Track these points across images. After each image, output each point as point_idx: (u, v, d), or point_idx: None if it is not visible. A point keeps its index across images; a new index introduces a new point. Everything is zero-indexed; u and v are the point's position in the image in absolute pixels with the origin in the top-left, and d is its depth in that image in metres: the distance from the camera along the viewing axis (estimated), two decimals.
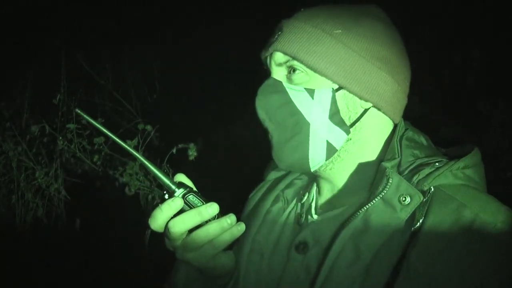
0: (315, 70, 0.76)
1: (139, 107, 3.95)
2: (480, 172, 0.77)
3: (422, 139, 0.83)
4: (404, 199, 0.71)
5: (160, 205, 0.73)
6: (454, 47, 2.91)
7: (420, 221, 0.69)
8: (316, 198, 0.86)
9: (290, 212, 0.88)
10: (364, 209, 0.73)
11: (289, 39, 0.78)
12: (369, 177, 0.80)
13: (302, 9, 0.82)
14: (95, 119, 0.75)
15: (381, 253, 0.70)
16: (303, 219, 0.84)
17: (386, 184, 0.73)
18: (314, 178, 0.88)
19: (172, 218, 0.73)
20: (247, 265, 0.85)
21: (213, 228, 0.73)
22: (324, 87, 0.77)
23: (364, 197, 0.78)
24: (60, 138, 2.96)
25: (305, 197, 0.87)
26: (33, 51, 3.76)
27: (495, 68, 2.77)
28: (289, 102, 0.78)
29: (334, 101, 0.77)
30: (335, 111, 0.77)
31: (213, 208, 0.74)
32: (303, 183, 0.91)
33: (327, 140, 0.78)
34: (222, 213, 0.76)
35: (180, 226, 0.72)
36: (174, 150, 2.80)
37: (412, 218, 0.70)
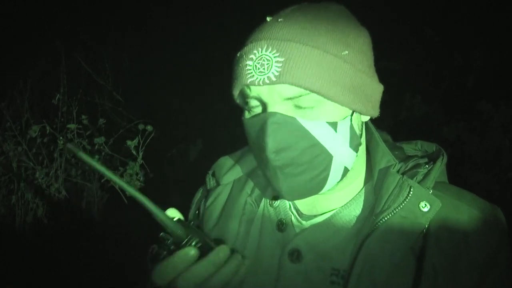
0: (337, 102, 0.70)
1: (139, 107, 3.95)
2: (445, 168, 0.81)
3: (389, 138, 0.85)
4: (423, 205, 0.72)
5: (168, 258, 0.63)
6: (455, 48, 2.90)
7: (427, 224, 0.72)
8: (294, 203, 0.83)
9: (264, 217, 0.84)
10: (385, 218, 0.73)
11: (303, 69, 0.67)
12: (351, 176, 0.79)
13: (279, 20, 0.72)
14: (92, 157, 0.64)
15: (404, 257, 0.71)
16: (284, 225, 0.81)
17: (408, 194, 0.73)
18: None
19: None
20: None
21: (225, 274, 0.65)
22: (343, 116, 0.72)
23: (349, 199, 0.80)
24: (61, 138, 2.96)
25: (277, 202, 0.84)
26: (34, 51, 3.76)
27: (496, 68, 2.76)
28: (311, 139, 0.71)
29: (352, 128, 0.74)
30: (353, 135, 0.74)
31: (224, 252, 0.65)
32: (266, 183, 0.85)
33: (344, 166, 0.75)
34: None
35: (193, 280, 0.63)
36: (175, 151, 2.79)
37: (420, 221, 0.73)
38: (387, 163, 0.78)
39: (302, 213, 0.82)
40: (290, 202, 0.84)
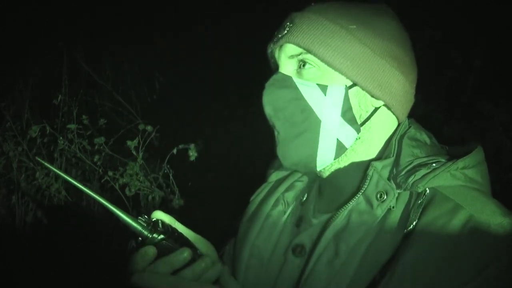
0: (329, 65, 0.74)
1: (139, 107, 3.95)
2: (483, 172, 0.75)
3: (425, 137, 0.80)
4: (380, 195, 0.72)
5: (134, 254, 0.69)
6: (455, 47, 2.90)
7: (414, 223, 0.69)
8: (316, 200, 0.84)
9: (289, 215, 0.86)
10: (345, 207, 0.74)
11: (303, 31, 0.74)
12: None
13: (312, 4, 0.79)
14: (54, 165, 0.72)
15: (359, 251, 0.70)
16: (301, 221, 0.83)
17: (365, 181, 0.74)
18: (315, 180, 0.87)
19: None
20: (246, 271, 0.83)
21: (185, 275, 0.69)
22: (337, 83, 0.74)
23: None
24: (61, 138, 2.95)
25: (304, 199, 0.86)
26: (34, 51, 3.76)
27: (496, 68, 2.76)
28: (300, 97, 0.75)
29: (347, 98, 0.74)
30: (348, 108, 0.75)
31: (185, 254, 0.69)
32: (304, 185, 0.89)
33: (337, 139, 0.75)
34: (198, 254, 0.73)
35: (151, 281, 0.67)
36: (175, 151, 2.79)
37: (406, 219, 0.70)
38: (385, 157, 0.77)
39: (317, 211, 0.83)
40: (313, 201, 0.84)
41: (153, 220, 0.71)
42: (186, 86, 3.90)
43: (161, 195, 2.95)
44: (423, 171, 0.71)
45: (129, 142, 2.82)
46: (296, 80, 0.76)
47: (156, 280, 0.67)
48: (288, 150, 0.77)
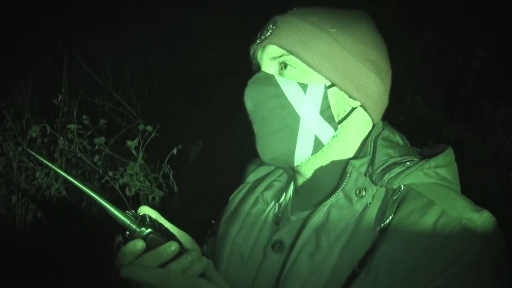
0: (310, 66, 0.77)
1: (139, 107, 3.95)
2: (453, 171, 0.80)
3: (398, 139, 0.85)
4: (359, 191, 0.75)
5: (122, 247, 0.72)
6: (455, 47, 2.90)
7: (390, 218, 0.72)
8: (293, 198, 0.88)
9: (268, 213, 0.88)
10: (325, 203, 0.77)
11: (285, 33, 0.78)
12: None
13: (294, 8, 0.82)
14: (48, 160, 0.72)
15: (339, 245, 0.73)
16: (279, 218, 0.86)
17: (345, 178, 0.77)
18: (292, 178, 0.90)
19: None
20: (227, 267, 0.86)
21: (173, 269, 0.72)
22: (317, 83, 0.78)
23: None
24: (61, 138, 2.95)
25: (283, 197, 0.89)
26: (35, 51, 3.76)
27: (496, 68, 2.76)
28: (281, 95, 0.78)
29: (325, 97, 0.78)
30: (326, 106, 0.79)
31: (172, 247, 0.72)
32: (282, 185, 0.92)
33: (315, 135, 0.79)
34: (184, 248, 0.75)
35: (140, 273, 0.70)
36: (175, 151, 2.79)
37: (382, 214, 0.74)
38: (361, 156, 0.81)
39: (295, 208, 0.86)
40: (290, 198, 0.88)
41: (140, 214, 0.73)
42: (186, 86, 3.90)
43: (161, 195, 2.95)
44: (397, 169, 0.76)
45: (129, 142, 2.82)
46: (278, 78, 0.79)
47: (145, 273, 0.70)
48: (267, 145, 0.80)
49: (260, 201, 0.90)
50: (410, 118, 2.71)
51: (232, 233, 0.88)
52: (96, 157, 2.99)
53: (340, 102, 0.80)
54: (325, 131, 0.79)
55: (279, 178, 0.93)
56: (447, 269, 0.66)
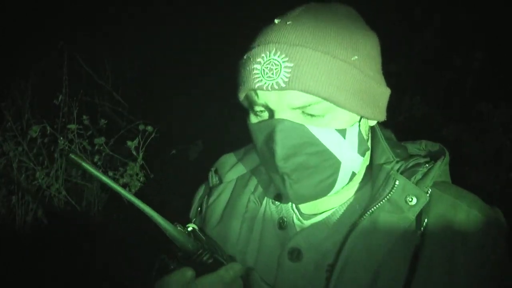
0: (347, 108, 0.70)
1: (139, 108, 3.95)
2: (447, 168, 0.82)
3: (392, 136, 0.85)
4: (410, 199, 0.73)
5: (169, 275, 0.66)
6: (454, 48, 2.90)
7: (425, 221, 0.72)
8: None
9: (266, 215, 0.84)
10: (370, 211, 0.74)
11: (313, 76, 0.66)
12: (356, 178, 0.81)
13: (288, 23, 0.70)
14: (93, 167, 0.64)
15: (393, 252, 0.71)
16: (285, 223, 0.81)
17: (393, 186, 0.74)
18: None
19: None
20: None
21: None
22: (351, 122, 0.73)
23: (349, 197, 0.80)
24: (61, 138, 2.96)
25: (280, 200, 0.84)
26: (35, 51, 3.76)
27: (495, 69, 2.77)
28: (320, 147, 0.71)
29: (360, 133, 0.75)
30: (361, 141, 0.76)
31: (234, 269, 0.70)
32: (269, 181, 0.86)
33: (353, 171, 0.77)
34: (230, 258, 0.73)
35: None
36: (175, 151, 2.80)
37: (419, 218, 0.73)
38: (386, 160, 0.79)
39: (302, 212, 0.82)
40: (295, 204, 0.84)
41: (189, 229, 0.68)
42: (186, 86, 3.90)
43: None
44: (421, 170, 0.76)
45: (129, 143, 2.82)
46: (311, 128, 0.70)
47: None
48: (304, 194, 0.74)
49: (253, 202, 0.85)
50: (408, 119, 2.71)
51: (232, 239, 0.82)
52: (96, 157, 3.00)
53: (366, 128, 0.78)
54: (359, 163, 0.77)
55: (264, 176, 0.86)
56: (487, 260, 0.70)
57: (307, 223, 0.79)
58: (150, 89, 4.14)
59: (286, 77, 0.66)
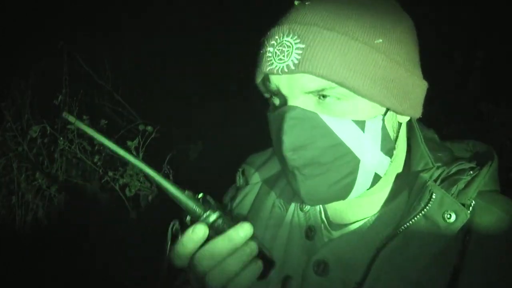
0: (366, 96, 0.62)
1: (139, 107, 3.95)
2: (496, 174, 0.72)
3: (436, 137, 0.75)
4: (449, 216, 0.63)
5: (180, 237, 0.59)
6: (455, 47, 2.90)
7: (467, 238, 0.64)
8: (324, 209, 0.76)
9: (293, 223, 0.77)
10: (404, 226, 0.65)
11: (327, 58, 0.60)
12: (384, 183, 0.72)
13: (307, 3, 0.64)
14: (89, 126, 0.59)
15: (428, 275, 0.63)
16: (313, 233, 0.74)
17: (429, 200, 0.64)
18: None
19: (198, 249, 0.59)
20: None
21: (245, 254, 0.60)
22: (373, 114, 0.64)
23: (381, 206, 0.72)
24: (61, 138, 2.96)
25: (308, 206, 0.77)
26: (35, 51, 3.76)
27: (497, 68, 2.76)
28: (334, 139, 0.63)
29: (384, 128, 0.65)
30: (386, 138, 0.66)
31: (245, 229, 0.60)
32: None
33: (375, 172, 0.67)
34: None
35: (208, 260, 0.58)
36: (175, 151, 2.79)
37: (460, 236, 0.64)
38: (424, 166, 0.69)
39: (332, 221, 0.74)
40: (321, 208, 0.76)
41: (201, 196, 0.62)
42: (187, 86, 3.89)
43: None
44: (464, 179, 0.66)
45: (129, 143, 2.82)
46: (325, 118, 0.62)
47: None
48: (318, 193, 0.66)
49: (278, 207, 0.79)
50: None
51: None
52: (96, 157, 2.99)
53: (394, 125, 0.68)
54: (383, 164, 0.67)
55: None
56: None
57: (336, 234, 0.72)
58: (150, 89, 4.14)
59: (297, 59, 0.60)
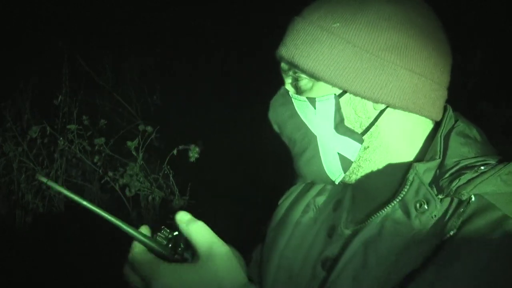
0: (313, 75, 0.67)
1: (139, 108, 3.95)
2: None
3: (476, 133, 0.70)
4: (420, 205, 0.63)
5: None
6: (455, 48, 2.90)
7: (451, 233, 0.59)
8: (349, 207, 0.76)
9: (322, 222, 0.77)
10: (378, 214, 0.66)
11: (288, 41, 0.69)
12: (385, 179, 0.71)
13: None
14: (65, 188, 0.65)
15: (387, 263, 0.62)
16: (333, 231, 0.74)
17: (405, 187, 0.65)
18: (349, 184, 0.76)
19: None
20: (274, 284, 0.76)
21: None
22: (326, 93, 0.67)
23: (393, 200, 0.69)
24: (61, 139, 2.96)
25: (337, 205, 0.78)
26: (35, 52, 3.76)
27: (497, 69, 2.76)
28: (295, 114, 0.70)
29: (338, 109, 0.67)
30: (340, 119, 0.67)
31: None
32: (338, 189, 0.79)
33: (338, 153, 0.68)
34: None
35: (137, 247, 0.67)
36: (175, 151, 2.79)
37: (443, 228, 0.61)
38: (431, 158, 0.67)
39: (351, 220, 0.74)
40: (348, 208, 0.76)
41: (175, 235, 0.67)
42: (186, 86, 3.90)
43: (161, 195, 2.95)
44: (469, 175, 0.61)
45: (129, 143, 2.82)
46: (291, 95, 0.71)
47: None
48: (300, 167, 0.72)
49: (312, 208, 0.79)
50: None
51: (281, 244, 0.77)
52: (96, 158, 2.99)
53: (359, 109, 0.67)
54: (348, 147, 0.68)
55: None
56: None
57: (348, 231, 0.71)
58: (150, 89, 4.14)
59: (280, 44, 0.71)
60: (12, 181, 3.02)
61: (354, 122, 0.68)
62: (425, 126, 0.71)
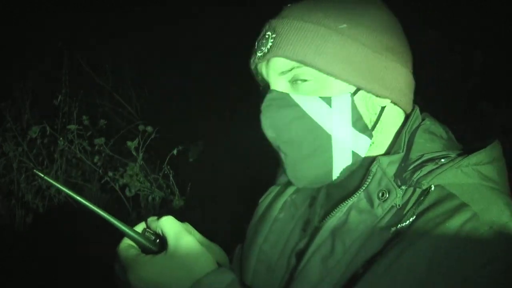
0: (329, 74, 0.68)
1: (139, 108, 3.95)
2: (499, 169, 0.68)
3: (441, 131, 0.75)
4: (382, 194, 0.67)
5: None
6: (455, 48, 2.90)
7: (410, 220, 0.63)
8: (323, 202, 0.78)
9: (298, 218, 0.80)
10: (345, 203, 0.70)
11: (290, 42, 0.68)
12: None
13: (288, 5, 0.73)
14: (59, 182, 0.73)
15: (353, 249, 0.66)
16: (307, 225, 0.77)
17: (368, 178, 0.69)
18: None
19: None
20: (254, 276, 0.79)
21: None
22: (340, 91, 0.69)
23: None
24: (61, 139, 2.96)
25: (313, 201, 0.80)
26: (35, 52, 3.76)
27: (497, 69, 2.76)
28: (303, 115, 0.69)
29: (354, 106, 0.69)
30: (358, 116, 0.70)
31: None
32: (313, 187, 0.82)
33: (352, 150, 0.70)
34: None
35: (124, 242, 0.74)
36: (175, 152, 2.79)
37: (400, 216, 0.65)
38: (394, 151, 0.72)
39: (324, 214, 0.76)
40: (322, 202, 0.79)
41: (160, 235, 0.72)
42: (186, 86, 3.90)
43: (161, 195, 2.95)
44: (429, 167, 0.65)
45: (129, 143, 2.82)
46: (294, 97, 0.69)
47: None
48: (300, 172, 0.72)
49: (289, 205, 0.82)
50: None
51: (260, 240, 0.80)
52: (96, 158, 2.99)
53: (369, 105, 0.71)
54: (360, 143, 0.71)
55: None
56: (468, 279, 0.57)
57: (320, 224, 0.74)
58: (150, 89, 4.14)
59: (269, 46, 0.70)
60: (12, 181, 3.02)
61: (366, 119, 0.71)
62: (400, 120, 0.76)
